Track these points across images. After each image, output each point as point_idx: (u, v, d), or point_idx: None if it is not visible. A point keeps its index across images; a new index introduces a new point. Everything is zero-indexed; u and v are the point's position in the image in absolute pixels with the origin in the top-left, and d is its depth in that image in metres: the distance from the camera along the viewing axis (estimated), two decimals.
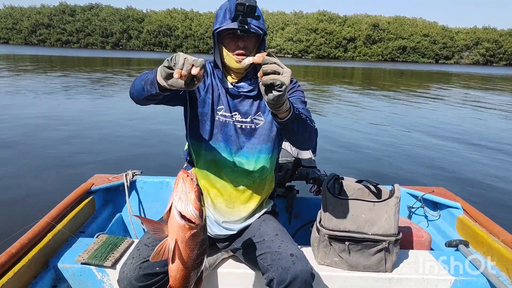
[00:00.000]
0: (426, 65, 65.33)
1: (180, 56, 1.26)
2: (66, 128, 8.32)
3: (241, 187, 1.77)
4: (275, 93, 1.28)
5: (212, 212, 1.79)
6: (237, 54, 1.64)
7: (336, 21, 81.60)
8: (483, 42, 78.22)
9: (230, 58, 1.66)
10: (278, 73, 1.29)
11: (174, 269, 1.22)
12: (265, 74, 1.29)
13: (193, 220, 1.15)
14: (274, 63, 1.30)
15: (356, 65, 53.86)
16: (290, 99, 1.64)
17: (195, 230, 1.17)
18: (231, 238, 1.83)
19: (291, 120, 1.44)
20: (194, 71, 1.24)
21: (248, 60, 1.45)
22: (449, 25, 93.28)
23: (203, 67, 1.27)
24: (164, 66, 1.30)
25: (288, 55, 78.82)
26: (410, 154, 7.21)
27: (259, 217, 1.84)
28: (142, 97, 1.52)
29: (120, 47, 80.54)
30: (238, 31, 1.57)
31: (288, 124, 1.45)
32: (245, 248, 1.77)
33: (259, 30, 1.60)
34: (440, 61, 78.52)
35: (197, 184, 1.17)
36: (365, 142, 8.07)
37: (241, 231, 1.81)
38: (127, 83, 18.36)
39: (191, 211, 1.14)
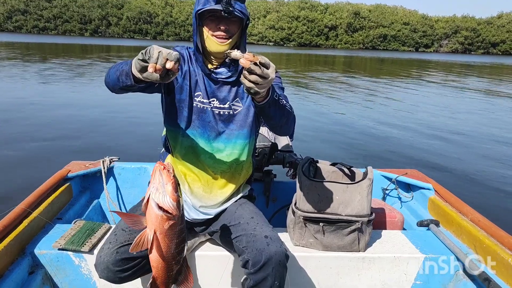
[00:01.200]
0: (407, 53, 66.06)
1: (155, 50, 1.26)
2: (42, 114, 8.26)
3: (218, 173, 1.79)
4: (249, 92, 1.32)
5: (189, 197, 1.81)
6: (219, 37, 1.62)
7: (318, 9, 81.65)
8: (461, 31, 79.29)
9: (211, 41, 1.64)
10: (257, 84, 1.29)
11: (155, 260, 1.24)
12: (245, 78, 1.30)
13: (170, 211, 1.17)
14: (258, 74, 1.28)
15: (337, 53, 54.11)
16: None
17: (173, 221, 1.19)
18: (208, 222, 1.86)
19: (268, 104, 1.46)
20: (169, 65, 1.24)
21: (236, 55, 1.38)
22: (429, 14, 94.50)
23: (178, 60, 1.27)
24: (138, 59, 1.30)
25: (270, 43, 78.59)
26: (385, 138, 7.43)
27: (236, 201, 1.86)
28: (117, 87, 1.53)
29: (99, 34, 79.02)
30: (222, 12, 1.55)
31: (265, 107, 1.46)
32: (221, 231, 1.80)
33: (242, 15, 1.59)
34: (420, 49, 79.39)
35: (174, 176, 1.19)
36: (342, 127, 8.27)
37: (218, 215, 1.84)
38: (104, 71, 18.14)
39: (168, 202, 1.16)
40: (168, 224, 1.18)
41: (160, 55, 1.24)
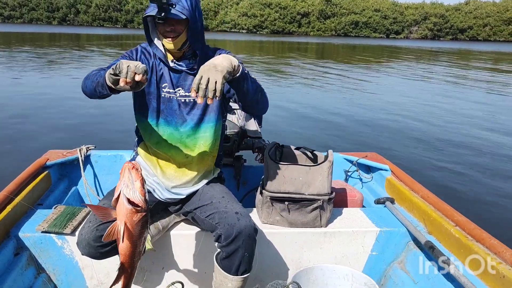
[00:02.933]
0: (378, 40, 67.00)
1: (123, 64, 1.41)
2: (15, 105, 8.28)
3: (188, 156, 1.94)
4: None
5: (162, 180, 1.96)
6: (166, 37, 1.77)
7: None
8: (431, 17, 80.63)
9: (163, 40, 1.80)
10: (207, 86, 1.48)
11: (125, 248, 1.38)
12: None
13: (140, 205, 1.32)
14: (201, 84, 1.48)
15: (310, 40, 54.41)
16: None
17: (141, 213, 1.34)
18: (181, 202, 2.01)
19: (243, 77, 1.63)
20: (137, 78, 1.40)
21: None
22: (399, 1, 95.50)
23: (145, 72, 1.42)
24: (110, 73, 1.46)
25: (243, 30, 78.16)
26: (348, 124, 7.89)
27: (207, 183, 2.02)
28: (95, 96, 1.72)
29: (68, 22, 76.77)
30: (157, 19, 1.70)
31: (240, 81, 1.64)
32: (195, 210, 1.95)
33: (181, 15, 1.69)
34: (390, 36, 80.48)
35: (141, 173, 1.34)
36: (309, 113, 8.70)
37: (190, 196, 1.99)
38: (76, 60, 17.93)
39: (138, 197, 1.31)
40: (137, 216, 1.33)
41: (129, 69, 1.40)
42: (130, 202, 1.30)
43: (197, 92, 1.49)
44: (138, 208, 1.32)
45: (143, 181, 1.33)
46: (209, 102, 1.49)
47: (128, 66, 1.40)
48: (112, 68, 1.44)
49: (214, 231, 1.82)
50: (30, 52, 20.11)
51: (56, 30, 50.09)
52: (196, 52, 1.86)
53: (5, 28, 51.05)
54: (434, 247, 1.91)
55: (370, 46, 44.62)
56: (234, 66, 1.57)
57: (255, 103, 1.82)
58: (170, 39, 1.76)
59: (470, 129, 7.73)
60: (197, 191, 1.99)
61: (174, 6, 1.68)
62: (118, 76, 1.43)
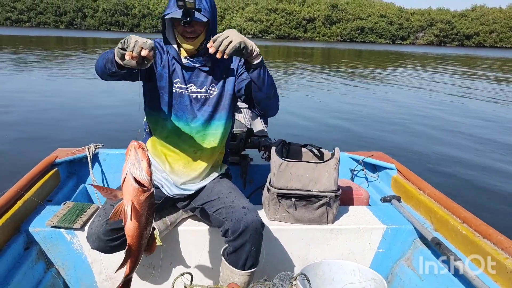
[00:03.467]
0: (383, 45, 67.02)
1: (132, 39, 1.43)
2: (25, 105, 8.46)
3: (197, 152, 1.96)
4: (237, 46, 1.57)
5: (170, 176, 1.98)
6: (185, 37, 1.80)
7: (296, 1, 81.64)
8: (437, 23, 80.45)
9: (181, 39, 1.83)
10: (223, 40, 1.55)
11: (131, 228, 1.39)
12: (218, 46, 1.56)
13: (146, 185, 1.32)
14: (221, 40, 1.56)
15: (315, 45, 54.50)
16: (243, 72, 1.90)
17: (147, 193, 1.34)
18: (189, 198, 2.03)
19: (262, 66, 1.71)
20: (144, 53, 1.41)
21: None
22: (405, 6, 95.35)
23: (152, 49, 1.43)
24: (118, 47, 1.47)
25: (249, 35, 78.34)
26: (355, 124, 8.01)
27: (214, 179, 2.05)
28: (105, 74, 1.69)
29: (75, 26, 77.45)
30: (181, 22, 1.71)
31: (260, 68, 1.71)
32: (202, 206, 1.97)
33: (203, 18, 1.73)
34: (396, 42, 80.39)
35: (148, 153, 1.35)
36: (316, 114, 8.84)
37: (198, 191, 2.01)
38: (83, 62, 18.22)
39: (144, 177, 1.32)
40: (143, 196, 1.33)
41: (136, 43, 1.41)
42: (137, 181, 1.31)
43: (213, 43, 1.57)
44: (145, 188, 1.32)
45: (149, 161, 1.33)
46: (218, 55, 1.57)
47: (136, 41, 1.41)
48: (121, 42, 1.46)
49: (221, 226, 1.84)
50: (38, 55, 20.37)
51: (63, 34, 50.62)
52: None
53: (13, 31, 51.67)
54: (441, 244, 1.92)
55: (376, 51, 44.63)
56: (253, 47, 1.65)
57: (268, 98, 1.84)
58: (190, 39, 1.80)
59: (478, 130, 7.79)
60: (204, 186, 2.01)
61: (200, 10, 1.72)
62: (125, 50, 1.44)
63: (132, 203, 1.33)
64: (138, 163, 1.31)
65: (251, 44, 1.64)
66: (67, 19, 76.74)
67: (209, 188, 1.99)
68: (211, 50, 1.57)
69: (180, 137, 1.94)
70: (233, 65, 1.96)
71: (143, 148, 1.32)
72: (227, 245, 1.83)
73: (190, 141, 1.94)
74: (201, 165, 1.98)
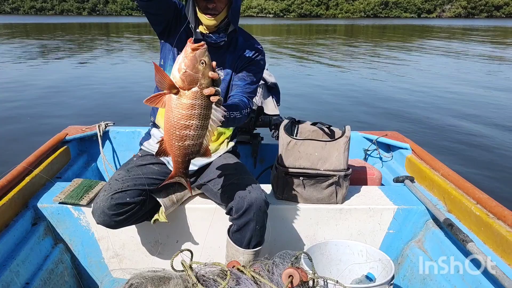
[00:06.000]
0: (409, 20, 65.12)
1: None
2: (41, 85, 8.89)
3: None
4: None
5: None
6: (207, 14, 1.78)
7: None
8: None
9: (201, 16, 1.81)
10: None
11: (165, 120, 1.36)
12: None
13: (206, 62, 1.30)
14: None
15: (338, 22, 53.42)
16: (244, 71, 1.89)
17: (199, 88, 1.30)
18: (196, 174, 2.00)
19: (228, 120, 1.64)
20: None
21: None
22: None
23: None
24: None
25: (270, 15, 77.34)
26: (371, 102, 7.83)
27: (221, 155, 2.01)
28: None
29: (97, 12, 78.08)
30: None
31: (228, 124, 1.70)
32: (208, 183, 1.94)
33: None
34: (422, 15, 77.98)
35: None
36: (332, 92, 8.74)
37: (204, 168, 1.99)
38: (104, 47, 18.57)
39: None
40: (196, 89, 1.29)
41: None
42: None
43: None
44: (202, 65, 1.31)
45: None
46: None
47: None
48: None
49: (226, 203, 1.81)
50: (61, 40, 20.86)
51: (86, 20, 51.23)
52: (227, 28, 1.88)
53: (37, 19, 52.61)
54: (454, 225, 1.85)
55: (401, 25, 43.45)
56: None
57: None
58: (211, 16, 1.78)
59: (499, 111, 7.40)
60: (211, 163, 1.98)
61: None
62: None
63: (179, 90, 1.30)
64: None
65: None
66: (90, 5, 77.80)
67: (216, 164, 1.96)
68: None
69: None
70: (238, 61, 1.94)
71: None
72: (231, 223, 1.81)
73: None
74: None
